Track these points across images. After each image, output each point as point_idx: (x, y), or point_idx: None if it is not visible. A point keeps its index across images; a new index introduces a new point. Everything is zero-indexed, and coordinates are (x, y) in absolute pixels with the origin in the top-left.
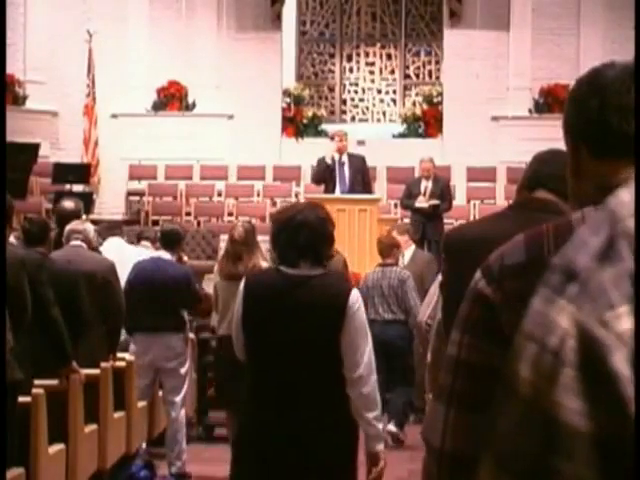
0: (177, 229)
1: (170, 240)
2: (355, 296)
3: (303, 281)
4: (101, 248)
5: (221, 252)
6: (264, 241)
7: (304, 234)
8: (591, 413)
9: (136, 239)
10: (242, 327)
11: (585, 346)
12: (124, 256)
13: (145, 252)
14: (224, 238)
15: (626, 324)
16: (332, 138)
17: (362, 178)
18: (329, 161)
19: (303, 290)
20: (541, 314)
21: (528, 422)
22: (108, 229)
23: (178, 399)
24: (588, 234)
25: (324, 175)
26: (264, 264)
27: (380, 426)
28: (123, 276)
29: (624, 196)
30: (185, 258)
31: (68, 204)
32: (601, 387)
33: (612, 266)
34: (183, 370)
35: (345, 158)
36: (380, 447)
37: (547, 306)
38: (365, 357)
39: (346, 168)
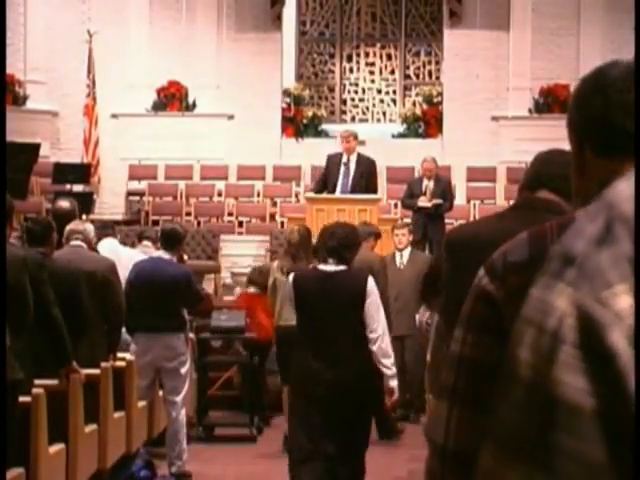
0: (177, 229)
1: (170, 240)
2: (371, 283)
3: (332, 275)
4: None
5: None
6: (265, 241)
7: (331, 241)
8: (591, 389)
9: (137, 239)
10: (295, 307)
11: (584, 324)
12: (118, 258)
13: (139, 254)
14: (224, 238)
15: (624, 302)
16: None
17: (366, 182)
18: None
19: (332, 281)
20: (539, 299)
21: (529, 403)
22: (101, 229)
23: (178, 399)
24: (585, 222)
25: (323, 185)
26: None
27: (393, 369)
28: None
29: (620, 185)
30: (185, 257)
31: (64, 204)
32: (600, 364)
33: (609, 248)
34: (183, 370)
35: (353, 159)
36: (394, 383)
37: (545, 291)
38: (381, 323)
39: (352, 169)
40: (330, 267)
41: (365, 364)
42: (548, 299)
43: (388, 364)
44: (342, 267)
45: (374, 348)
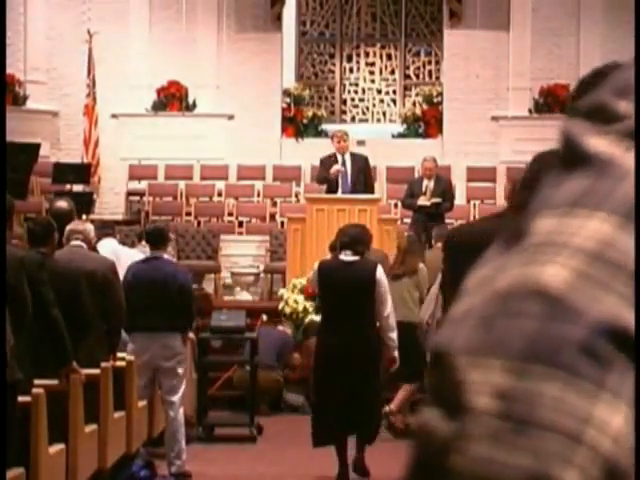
0: (161, 226)
1: (158, 238)
2: (380, 270)
3: (349, 263)
4: None
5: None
6: (265, 241)
7: (345, 238)
8: None
9: (137, 239)
10: (318, 289)
11: None
12: (117, 258)
13: (138, 254)
14: (224, 238)
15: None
16: (332, 139)
17: (364, 178)
18: (338, 166)
19: (349, 268)
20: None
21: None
22: (101, 229)
23: (176, 399)
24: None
25: (328, 176)
26: (421, 265)
27: (396, 342)
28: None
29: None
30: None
31: (62, 204)
32: None
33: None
34: (181, 370)
35: (348, 158)
36: (395, 353)
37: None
38: (389, 304)
39: (348, 168)
40: (347, 257)
41: (372, 338)
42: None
43: (393, 337)
44: (356, 257)
45: (382, 324)
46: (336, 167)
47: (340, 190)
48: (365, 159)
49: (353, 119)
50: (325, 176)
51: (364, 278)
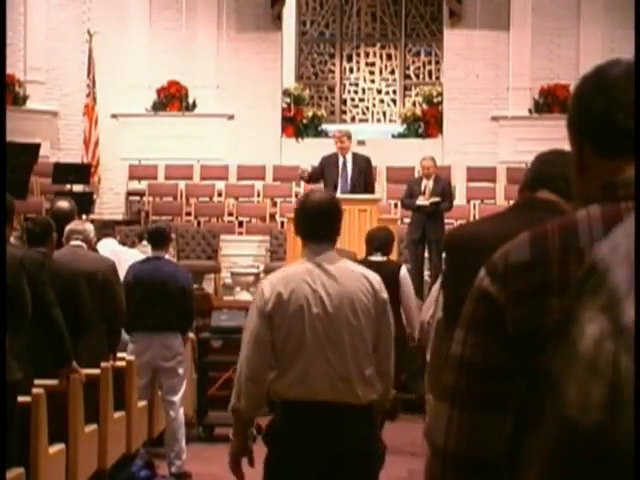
0: (162, 226)
1: (160, 238)
2: (403, 269)
3: (375, 263)
4: None
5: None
6: (265, 241)
7: (376, 242)
8: None
9: (137, 239)
10: None
11: None
12: (117, 258)
13: (138, 254)
14: (224, 238)
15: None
16: (334, 139)
17: (365, 179)
18: (338, 163)
19: (376, 267)
20: None
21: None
22: (102, 229)
23: (176, 399)
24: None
25: (318, 176)
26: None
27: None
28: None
29: None
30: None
31: (63, 204)
32: None
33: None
34: (181, 370)
35: (349, 158)
36: (416, 334)
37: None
38: (413, 298)
39: (349, 168)
40: (376, 258)
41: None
42: None
43: (417, 327)
44: (384, 258)
45: (409, 315)
46: (302, 169)
47: (340, 190)
48: (367, 160)
49: (353, 119)
50: (313, 173)
51: (390, 276)
